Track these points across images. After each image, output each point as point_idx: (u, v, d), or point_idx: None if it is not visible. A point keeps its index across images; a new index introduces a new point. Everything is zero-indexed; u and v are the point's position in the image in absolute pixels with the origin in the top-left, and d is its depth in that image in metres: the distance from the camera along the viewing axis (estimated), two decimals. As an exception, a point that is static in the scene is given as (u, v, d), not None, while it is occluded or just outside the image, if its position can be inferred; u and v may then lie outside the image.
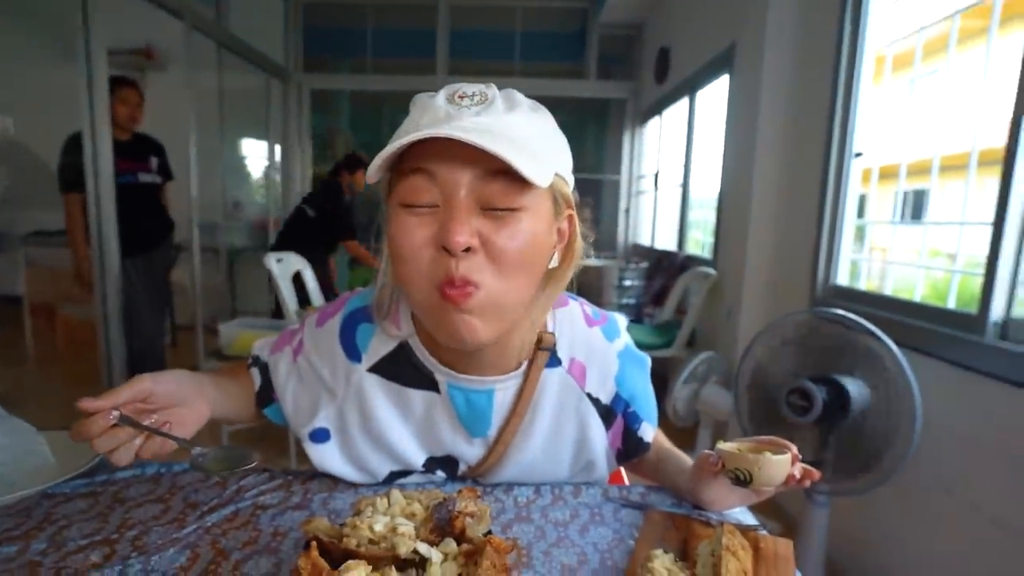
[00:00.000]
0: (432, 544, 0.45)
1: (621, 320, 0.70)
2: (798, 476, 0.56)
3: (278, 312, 2.45)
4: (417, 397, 0.63)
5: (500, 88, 0.52)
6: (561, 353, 0.64)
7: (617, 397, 0.66)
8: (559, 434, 0.65)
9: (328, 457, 0.65)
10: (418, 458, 0.65)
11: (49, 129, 2.48)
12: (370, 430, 0.64)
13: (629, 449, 0.68)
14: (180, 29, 3.03)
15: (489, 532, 0.48)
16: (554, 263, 0.56)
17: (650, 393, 0.69)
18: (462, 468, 0.67)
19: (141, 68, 3.92)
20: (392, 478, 0.66)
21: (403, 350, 0.62)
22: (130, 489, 0.64)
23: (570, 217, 0.56)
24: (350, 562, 0.42)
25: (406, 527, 0.45)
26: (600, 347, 0.65)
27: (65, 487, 0.64)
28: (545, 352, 0.62)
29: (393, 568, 0.42)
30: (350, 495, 0.65)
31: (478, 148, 0.44)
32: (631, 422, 0.67)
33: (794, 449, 0.57)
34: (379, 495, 0.51)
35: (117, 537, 0.55)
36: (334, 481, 0.67)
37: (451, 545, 0.45)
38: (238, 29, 3.60)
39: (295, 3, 4.33)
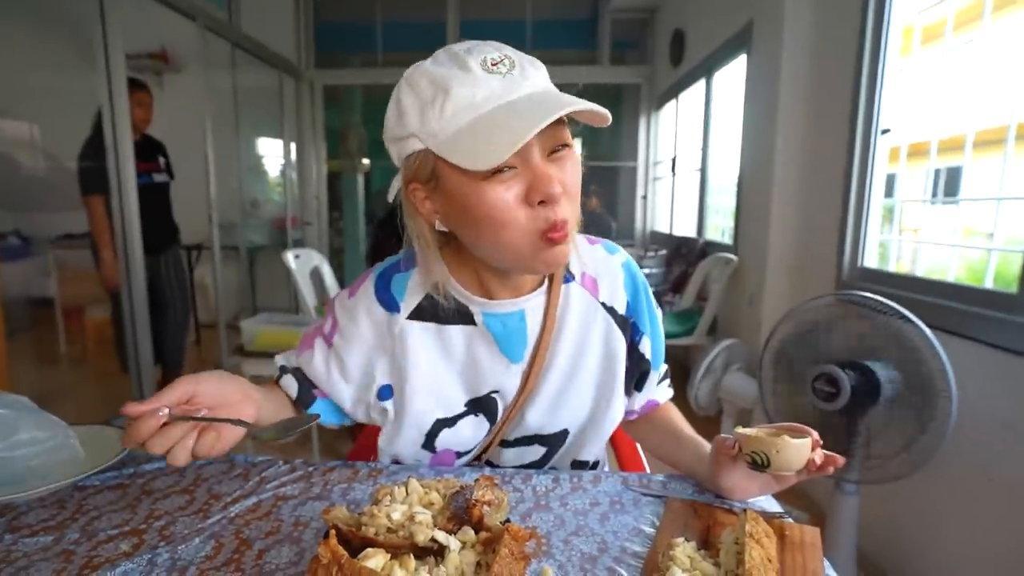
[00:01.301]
0: (450, 532, 0.45)
1: (616, 245, 0.76)
2: (819, 462, 0.54)
3: (299, 308, 2.49)
4: (456, 333, 0.66)
5: (498, 46, 0.57)
6: (573, 268, 0.70)
7: (628, 305, 0.71)
8: (585, 350, 0.69)
9: (388, 413, 0.68)
10: (460, 399, 0.68)
11: (71, 134, 2.53)
12: (417, 376, 0.66)
13: (633, 364, 0.72)
14: (194, 31, 3.07)
15: (507, 520, 0.48)
16: None
17: (651, 311, 0.73)
18: (500, 412, 0.69)
19: (157, 71, 3.98)
20: (437, 428, 0.68)
21: (438, 291, 0.65)
22: (157, 481, 0.66)
23: None
24: (369, 550, 0.42)
25: (424, 516, 0.45)
26: (604, 259, 0.72)
27: (95, 479, 0.65)
28: (560, 268, 0.68)
29: (411, 556, 0.42)
30: (369, 485, 0.65)
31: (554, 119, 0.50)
32: (633, 333, 0.72)
33: (815, 435, 0.55)
34: (397, 484, 0.51)
35: (145, 527, 0.56)
36: (353, 471, 0.68)
37: (469, 533, 0.45)
38: (250, 28, 3.63)
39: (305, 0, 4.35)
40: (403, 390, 0.66)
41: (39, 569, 0.50)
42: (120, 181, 2.46)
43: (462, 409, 0.68)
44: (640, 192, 4.46)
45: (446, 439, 0.68)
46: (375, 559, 0.41)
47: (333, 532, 0.42)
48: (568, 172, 0.56)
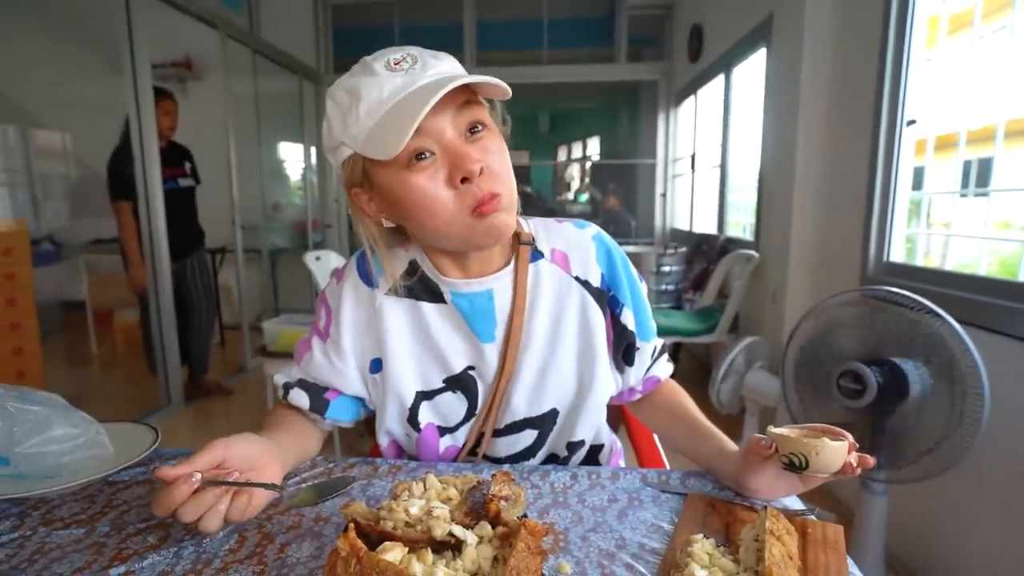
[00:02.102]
0: (467, 527, 0.45)
1: (587, 221, 0.76)
2: (855, 464, 0.53)
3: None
4: (430, 311, 0.68)
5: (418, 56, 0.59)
6: (541, 247, 0.70)
7: (603, 278, 0.71)
8: (561, 326, 0.69)
9: (378, 386, 0.70)
10: (437, 376, 0.69)
11: (101, 142, 2.61)
12: (396, 349, 0.68)
13: (617, 337, 0.71)
14: (216, 39, 3.14)
15: (524, 516, 0.48)
16: None
17: (632, 282, 0.72)
18: (481, 393, 0.69)
19: (182, 78, 4.09)
20: (418, 401, 0.69)
21: (413, 267, 0.68)
22: (182, 476, 0.67)
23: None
24: (387, 543, 0.42)
25: (441, 510, 0.45)
26: (574, 234, 0.72)
27: (124, 475, 0.67)
28: (527, 246, 0.69)
29: (429, 550, 0.42)
30: (388, 481, 0.66)
31: (444, 94, 0.52)
32: (612, 306, 0.71)
33: (850, 437, 0.54)
34: (415, 480, 0.51)
35: (172, 521, 0.57)
36: (373, 468, 0.69)
37: (486, 528, 0.45)
38: (270, 35, 3.71)
39: (324, 5, 4.41)
40: (387, 362, 0.68)
41: (71, 560, 0.51)
42: (147, 187, 2.53)
43: (440, 385, 0.69)
44: (659, 190, 4.42)
45: (427, 413, 0.70)
46: (393, 552, 0.41)
47: (352, 526, 0.43)
48: (490, 151, 0.58)
